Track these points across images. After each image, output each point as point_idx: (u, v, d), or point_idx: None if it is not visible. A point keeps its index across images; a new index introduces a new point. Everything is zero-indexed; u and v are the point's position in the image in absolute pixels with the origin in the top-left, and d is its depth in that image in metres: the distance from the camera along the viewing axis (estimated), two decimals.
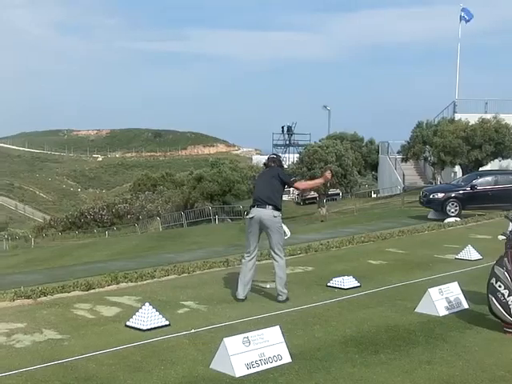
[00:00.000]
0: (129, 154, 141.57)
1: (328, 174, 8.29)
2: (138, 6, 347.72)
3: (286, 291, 7.88)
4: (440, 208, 22.13)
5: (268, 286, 8.50)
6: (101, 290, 8.55)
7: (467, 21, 42.37)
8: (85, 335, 6.34)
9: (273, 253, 7.96)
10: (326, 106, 63.34)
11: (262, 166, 8.90)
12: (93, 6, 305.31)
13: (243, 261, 8.02)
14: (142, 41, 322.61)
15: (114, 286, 8.76)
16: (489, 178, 23.00)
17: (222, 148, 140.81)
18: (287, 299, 7.84)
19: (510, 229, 6.48)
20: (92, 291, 8.44)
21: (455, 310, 7.24)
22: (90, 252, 25.28)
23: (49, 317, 7.06)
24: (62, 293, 8.19)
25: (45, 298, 7.97)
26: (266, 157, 8.65)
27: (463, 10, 42.14)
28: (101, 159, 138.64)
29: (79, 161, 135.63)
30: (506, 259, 6.30)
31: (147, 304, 6.77)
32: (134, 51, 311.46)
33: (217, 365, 5.26)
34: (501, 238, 6.56)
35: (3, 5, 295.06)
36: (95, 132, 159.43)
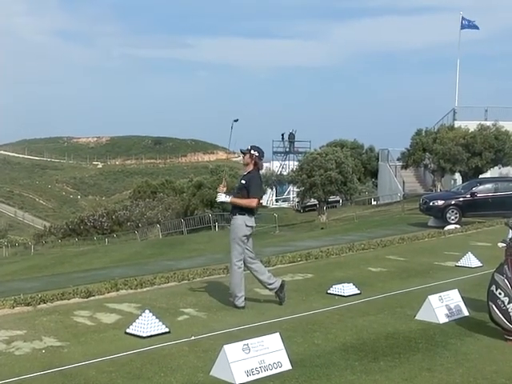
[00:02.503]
0: (129, 161, 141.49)
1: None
2: (140, 14, 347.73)
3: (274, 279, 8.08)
4: (440, 215, 22.12)
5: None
6: (100, 297, 8.55)
7: (470, 27, 42.39)
8: (84, 342, 6.34)
9: (251, 259, 8.02)
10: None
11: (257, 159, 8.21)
12: (95, 13, 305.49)
13: (240, 270, 7.87)
14: (143, 48, 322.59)
15: (113, 293, 8.75)
16: (489, 186, 22.99)
17: (221, 155, 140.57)
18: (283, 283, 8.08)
19: (509, 236, 6.49)
20: (92, 298, 8.44)
21: (455, 317, 7.23)
22: (89, 259, 25.28)
23: (48, 324, 7.05)
24: (62, 300, 8.19)
25: (44, 305, 7.97)
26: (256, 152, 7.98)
27: (464, 19, 42.26)
28: (101, 166, 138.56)
29: (79, 168, 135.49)
30: (506, 266, 6.30)
31: (147, 311, 6.77)
32: (134, 58, 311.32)
33: (217, 372, 5.25)
34: (501, 245, 6.56)
35: (6, 13, 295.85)
36: (95, 139, 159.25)
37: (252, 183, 7.82)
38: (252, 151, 7.93)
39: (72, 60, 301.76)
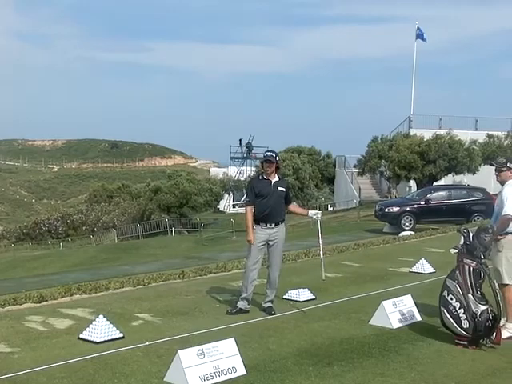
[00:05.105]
0: (85, 165, 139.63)
1: None
2: (98, 16, 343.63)
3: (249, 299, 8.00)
4: (395, 222, 22.44)
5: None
6: (54, 302, 8.41)
7: (423, 38, 43.15)
8: (36, 348, 6.23)
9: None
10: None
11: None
12: (52, 15, 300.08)
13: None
14: (101, 51, 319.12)
15: (67, 298, 8.63)
16: (442, 193, 23.47)
17: (179, 160, 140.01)
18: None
19: (461, 242, 6.60)
20: (45, 303, 8.30)
21: (408, 322, 7.34)
22: (43, 264, 24.89)
23: None
24: (14, 305, 8.04)
25: None
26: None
27: (419, 29, 42.99)
28: (56, 170, 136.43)
29: (34, 171, 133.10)
30: (457, 272, 6.42)
31: (101, 316, 6.69)
32: (92, 61, 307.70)
33: (171, 377, 5.22)
34: (453, 251, 6.67)
35: None
36: (51, 142, 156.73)
37: (290, 190, 8.33)
38: (277, 158, 7.86)
39: (28, 61, 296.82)
